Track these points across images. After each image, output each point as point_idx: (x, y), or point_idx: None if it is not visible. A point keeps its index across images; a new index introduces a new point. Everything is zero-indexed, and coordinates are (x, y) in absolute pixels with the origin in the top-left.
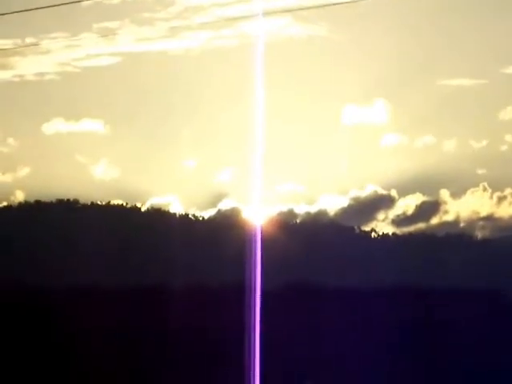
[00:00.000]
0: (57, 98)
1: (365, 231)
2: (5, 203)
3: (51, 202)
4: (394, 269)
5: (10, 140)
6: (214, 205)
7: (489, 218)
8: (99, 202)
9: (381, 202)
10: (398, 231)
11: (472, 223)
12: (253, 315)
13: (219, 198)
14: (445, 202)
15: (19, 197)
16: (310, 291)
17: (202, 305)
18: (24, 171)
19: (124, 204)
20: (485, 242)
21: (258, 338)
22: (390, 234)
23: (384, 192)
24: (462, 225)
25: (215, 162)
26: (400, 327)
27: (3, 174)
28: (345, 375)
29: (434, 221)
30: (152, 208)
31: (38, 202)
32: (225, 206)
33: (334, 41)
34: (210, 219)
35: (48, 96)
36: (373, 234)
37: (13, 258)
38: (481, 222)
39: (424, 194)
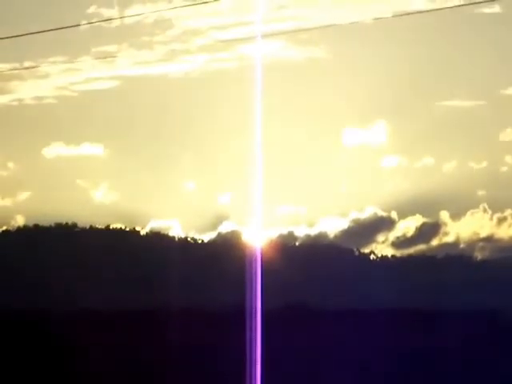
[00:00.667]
0: (56, 122)
1: (364, 253)
2: (5, 227)
3: (50, 226)
4: (394, 290)
5: (10, 164)
6: (214, 228)
7: (489, 239)
8: (98, 226)
9: (381, 224)
10: (398, 253)
11: (472, 244)
12: (253, 336)
13: (219, 220)
14: (445, 224)
15: (19, 221)
16: (310, 312)
17: (202, 326)
18: (24, 195)
19: (124, 227)
20: (484, 262)
21: (259, 359)
22: (389, 255)
23: (384, 214)
24: (461, 246)
25: (215, 185)
26: (399, 347)
27: (3, 198)
28: None
29: (434, 242)
30: (152, 231)
31: (36, 226)
32: (225, 228)
33: (333, 63)
34: (211, 242)
35: (47, 120)
36: (372, 256)
37: (12, 281)
38: (481, 243)
39: (424, 216)
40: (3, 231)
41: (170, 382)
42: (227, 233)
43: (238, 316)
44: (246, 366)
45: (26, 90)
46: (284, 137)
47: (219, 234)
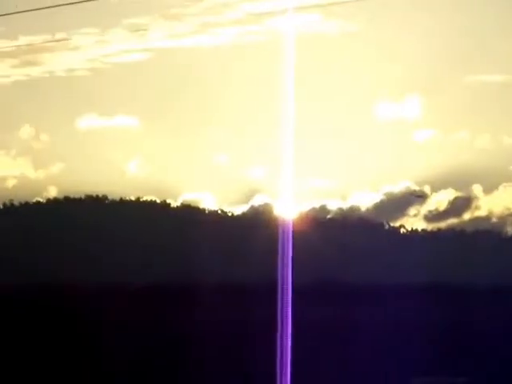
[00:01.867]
0: (88, 94)
1: (395, 227)
2: (37, 199)
3: (80, 198)
4: (424, 265)
5: (44, 136)
6: (246, 201)
7: None
8: (129, 198)
9: (413, 198)
10: (430, 227)
11: (504, 219)
12: (284, 308)
13: (251, 193)
14: (477, 198)
15: (52, 192)
16: (341, 287)
17: (232, 299)
18: (57, 167)
19: (155, 200)
20: None
21: (290, 333)
22: (420, 229)
23: (417, 188)
24: (493, 220)
25: (247, 158)
26: (430, 323)
27: (36, 170)
28: (373, 371)
29: (466, 216)
30: (183, 204)
31: (67, 198)
32: (257, 201)
33: (366, 36)
34: (242, 215)
35: (79, 92)
36: (404, 230)
37: (41, 253)
38: None
39: (457, 190)
40: (35, 202)
41: (197, 356)
42: (259, 206)
43: (269, 289)
44: (277, 341)
45: (57, 62)
46: (316, 110)
47: (251, 206)
